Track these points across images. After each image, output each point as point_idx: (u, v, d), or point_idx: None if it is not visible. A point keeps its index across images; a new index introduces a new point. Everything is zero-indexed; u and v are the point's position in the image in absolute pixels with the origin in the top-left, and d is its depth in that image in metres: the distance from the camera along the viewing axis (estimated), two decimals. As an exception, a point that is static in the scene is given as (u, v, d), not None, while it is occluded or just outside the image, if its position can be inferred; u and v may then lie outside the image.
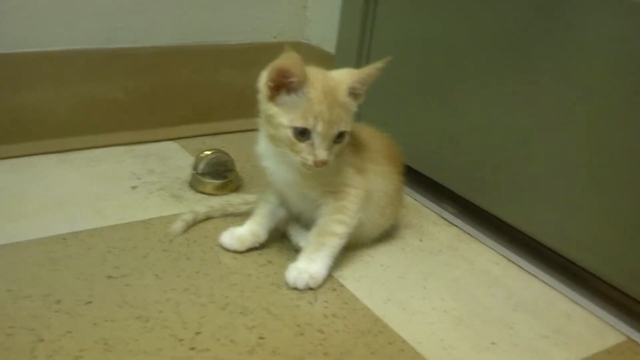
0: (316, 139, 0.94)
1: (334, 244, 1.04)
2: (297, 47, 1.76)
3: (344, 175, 1.05)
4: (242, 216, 1.20)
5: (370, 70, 0.99)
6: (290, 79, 0.94)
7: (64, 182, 1.30)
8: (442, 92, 1.32)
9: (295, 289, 1.02)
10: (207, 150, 1.34)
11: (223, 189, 1.31)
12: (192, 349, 0.87)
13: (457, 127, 1.29)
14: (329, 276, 1.05)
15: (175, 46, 1.57)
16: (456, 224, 1.28)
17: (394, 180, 1.14)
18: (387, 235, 1.19)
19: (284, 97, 0.96)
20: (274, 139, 0.99)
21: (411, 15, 1.39)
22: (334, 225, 1.04)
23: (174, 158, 1.47)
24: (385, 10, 1.45)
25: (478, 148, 1.25)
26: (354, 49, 1.54)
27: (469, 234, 1.25)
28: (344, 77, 0.99)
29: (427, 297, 1.04)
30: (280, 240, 1.15)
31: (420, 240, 1.21)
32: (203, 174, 1.32)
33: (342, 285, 1.04)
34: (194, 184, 1.32)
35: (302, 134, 0.94)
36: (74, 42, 1.44)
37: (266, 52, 1.71)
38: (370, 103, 1.52)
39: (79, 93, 1.47)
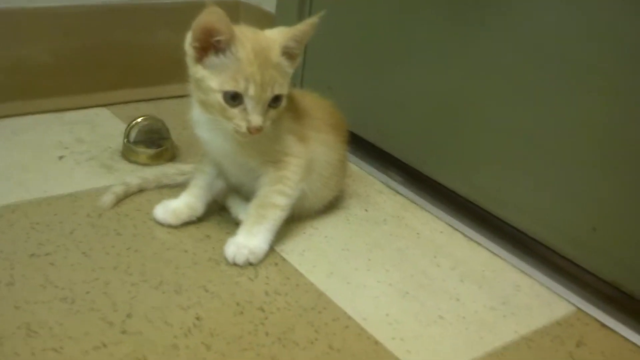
0: (249, 103, 0.88)
1: (275, 216, 0.99)
2: (235, 6, 1.68)
3: (284, 143, 0.99)
4: (177, 188, 1.13)
5: (303, 27, 0.92)
6: (216, 38, 0.87)
7: (-17, 152, 1.20)
8: (387, 55, 1.27)
9: (235, 264, 0.96)
10: (140, 117, 1.26)
11: (157, 159, 1.24)
12: (123, 332, 0.81)
13: (403, 92, 1.25)
14: (271, 250, 1.00)
15: (105, 5, 1.47)
16: (402, 192, 1.24)
17: (338, 149, 1.09)
18: (331, 205, 1.15)
19: (212, 59, 0.89)
20: (204, 105, 0.92)
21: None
22: (275, 196, 0.98)
23: (105, 125, 1.38)
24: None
25: (424, 114, 1.21)
26: (294, 8, 1.48)
27: (415, 203, 1.21)
28: (276, 35, 0.92)
29: (371, 269, 1.00)
30: (219, 213, 1.09)
31: (366, 210, 1.17)
32: (136, 143, 1.24)
33: (284, 260, 1.00)
34: (126, 154, 1.24)
35: (234, 98, 0.88)
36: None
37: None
38: (313, 66, 1.48)
39: (1, 57, 1.35)
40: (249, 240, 0.97)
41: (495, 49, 1.06)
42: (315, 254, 1.02)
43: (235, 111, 0.88)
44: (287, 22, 1.50)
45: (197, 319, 0.85)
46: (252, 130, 0.89)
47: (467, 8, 1.09)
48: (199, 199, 1.05)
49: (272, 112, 0.91)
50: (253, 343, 0.82)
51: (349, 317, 0.89)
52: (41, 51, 1.40)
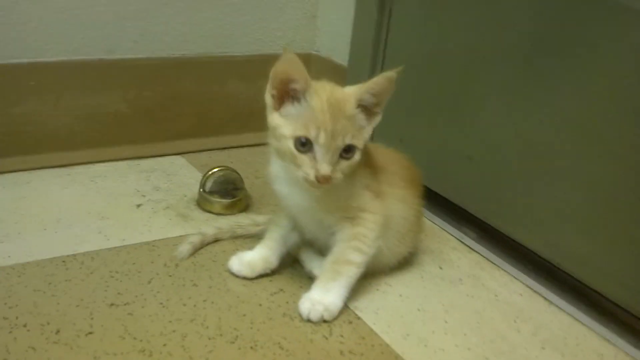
0: (318, 151, 0.88)
1: (351, 273, 0.98)
2: (307, 58, 1.70)
3: (361, 199, 0.98)
4: (251, 238, 1.14)
5: (380, 79, 0.91)
6: (292, 85, 0.89)
7: (64, 199, 1.24)
8: (459, 108, 1.26)
9: (309, 321, 0.95)
10: (215, 168, 1.28)
11: (232, 209, 1.25)
12: (200, 388, 0.80)
13: (475, 145, 1.23)
14: (344, 307, 0.99)
15: (179, 57, 1.51)
16: (477, 249, 1.21)
17: (413, 204, 1.08)
18: (405, 261, 1.13)
19: (288, 108, 0.91)
20: (278, 153, 0.93)
21: (427, 26, 1.33)
22: (351, 253, 0.98)
23: (180, 174, 1.40)
24: (400, 20, 1.40)
25: (496, 167, 1.19)
26: (367, 61, 1.48)
27: (491, 261, 1.18)
28: (353, 90, 0.93)
29: (449, 332, 0.97)
30: (293, 266, 1.09)
31: (440, 268, 1.15)
32: (211, 193, 1.26)
33: (358, 318, 0.98)
34: (202, 203, 1.26)
35: (304, 144, 0.88)
36: (73, 52, 1.38)
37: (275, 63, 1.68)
38: (385, 119, 1.48)
39: (79, 105, 1.41)
40: (323, 296, 0.96)
41: (570, 101, 1.03)
42: (390, 313, 1.00)
43: (305, 158, 0.88)
44: (359, 74, 1.53)
45: (274, 377, 0.84)
46: (320, 179, 0.88)
47: (540, 60, 1.08)
48: (273, 251, 1.05)
49: (344, 164, 0.90)
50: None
51: (427, 382, 0.86)
52: (117, 100, 1.45)
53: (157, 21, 1.45)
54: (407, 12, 1.37)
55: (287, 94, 0.90)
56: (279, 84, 0.90)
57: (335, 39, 1.64)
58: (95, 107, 1.42)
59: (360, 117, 0.92)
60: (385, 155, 1.07)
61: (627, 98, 0.96)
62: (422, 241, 1.21)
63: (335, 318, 0.97)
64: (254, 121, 1.60)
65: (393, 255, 1.07)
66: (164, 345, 0.87)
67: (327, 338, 0.93)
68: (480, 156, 1.22)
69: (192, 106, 1.54)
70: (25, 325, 0.87)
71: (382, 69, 1.46)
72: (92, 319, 0.90)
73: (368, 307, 1.01)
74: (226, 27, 1.56)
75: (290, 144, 0.89)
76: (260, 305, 0.98)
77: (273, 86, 0.91)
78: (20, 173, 1.32)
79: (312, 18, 1.70)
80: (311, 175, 0.88)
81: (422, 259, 1.17)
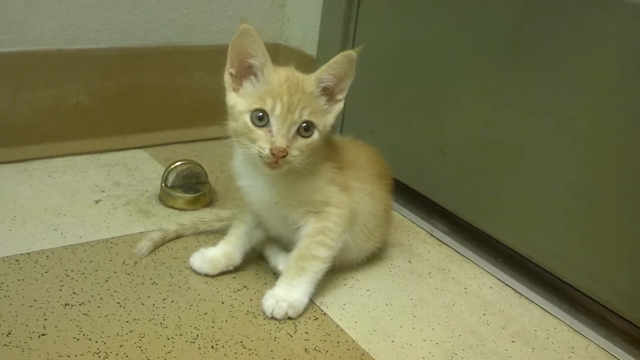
0: (274, 124, 0.85)
1: (316, 269, 0.94)
2: (275, 49, 1.66)
3: (326, 193, 0.95)
4: (215, 234, 1.11)
5: (338, 57, 0.89)
6: (250, 60, 0.88)
7: (20, 195, 1.19)
8: (430, 101, 1.24)
9: (273, 318, 0.92)
10: (178, 161, 1.24)
11: (195, 204, 1.21)
12: (156, 391, 0.77)
13: (447, 138, 1.21)
14: (310, 303, 0.96)
15: (143, 47, 1.46)
16: (447, 242, 1.19)
17: (382, 199, 1.05)
18: (373, 256, 1.10)
19: (246, 87, 0.90)
20: (236, 133, 0.90)
21: (397, 17, 1.30)
22: (316, 247, 0.94)
23: (142, 168, 1.36)
24: (369, 11, 1.37)
25: (469, 161, 1.17)
26: (336, 52, 1.43)
27: (461, 254, 1.16)
28: (314, 73, 0.91)
29: (417, 327, 0.95)
30: (257, 262, 1.06)
31: (409, 262, 1.12)
32: (173, 187, 1.21)
33: (324, 314, 0.95)
34: (164, 198, 1.22)
35: (260, 118, 0.86)
36: (32, 42, 1.32)
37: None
38: (355, 111, 1.45)
39: (38, 97, 1.35)
40: (288, 293, 0.93)
41: (548, 97, 1.02)
42: (357, 308, 0.97)
43: (260, 133, 0.86)
44: (327, 65, 1.50)
45: (235, 378, 0.80)
46: (276, 153, 0.84)
47: (514, 52, 1.06)
48: (237, 248, 1.01)
49: (301, 142, 0.88)
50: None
51: (395, 380, 0.83)
52: (78, 92, 1.39)
53: (119, 9, 1.40)
54: (376, 2, 1.34)
55: (246, 72, 0.89)
56: (237, 58, 0.89)
57: (304, 29, 1.60)
58: (55, 100, 1.37)
59: (322, 100, 0.90)
60: (353, 149, 1.05)
61: (604, 90, 0.95)
62: (391, 235, 1.18)
63: (301, 315, 0.93)
64: (220, 113, 1.55)
65: (361, 250, 1.04)
66: (121, 346, 0.83)
67: (291, 335, 0.89)
68: (452, 149, 1.19)
69: (155, 98, 1.50)
70: (-28, 328, 0.83)
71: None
72: (45, 319, 0.86)
73: (334, 303, 0.98)
74: (191, 16, 1.51)
75: (246, 119, 0.87)
76: (222, 303, 0.95)
77: (231, 63, 0.90)
78: (-27, 168, 1.26)
79: (280, 7, 1.66)
80: (266, 149, 0.85)
81: (391, 252, 1.14)
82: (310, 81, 0.89)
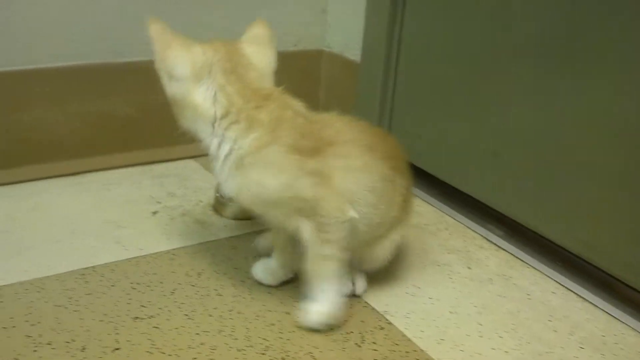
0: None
1: (331, 269, 0.90)
2: (318, 55, 1.66)
3: (301, 193, 0.86)
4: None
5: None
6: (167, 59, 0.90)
7: (76, 208, 1.21)
8: (482, 102, 1.22)
9: (317, 330, 0.92)
10: (230, 171, 1.25)
11: (248, 213, 1.22)
12: (233, 404, 0.78)
13: (500, 140, 1.19)
14: (374, 312, 0.96)
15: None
16: (504, 247, 1.18)
17: (378, 169, 0.92)
18: (430, 262, 1.10)
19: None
20: (189, 122, 0.93)
21: (446, 16, 1.28)
22: (321, 249, 0.88)
23: (194, 178, 1.37)
24: (415, 12, 1.35)
25: (523, 163, 1.15)
26: (381, 57, 1.44)
27: (520, 259, 1.15)
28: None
29: (484, 335, 0.94)
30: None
31: (469, 268, 1.11)
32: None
33: (389, 323, 0.95)
34: (218, 208, 1.23)
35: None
36: (80, 57, 1.34)
37: (286, 61, 1.64)
38: (402, 116, 1.45)
39: (88, 111, 1.37)
40: (319, 305, 0.92)
41: (603, 97, 1.00)
42: (421, 316, 0.97)
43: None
44: (372, 70, 1.49)
45: (309, 389, 0.81)
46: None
47: (566, 53, 1.04)
48: (290, 256, 1.01)
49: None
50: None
51: (467, 389, 0.83)
52: (127, 105, 1.41)
53: (167, 22, 1.41)
54: (422, 3, 1.33)
55: None
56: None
57: (347, 34, 1.60)
58: (105, 112, 1.39)
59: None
60: (337, 125, 0.92)
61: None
62: (446, 240, 1.18)
63: (341, 318, 0.93)
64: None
65: (382, 226, 0.95)
66: (194, 358, 0.84)
67: (359, 346, 0.90)
68: (506, 152, 1.18)
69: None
70: (49, 343, 0.84)
71: (398, 65, 1.42)
72: (117, 333, 0.87)
73: (398, 312, 0.98)
74: (236, 25, 1.52)
75: (188, 87, 0.90)
76: (287, 313, 0.95)
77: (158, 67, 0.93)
78: (30, 183, 1.28)
79: (321, 13, 1.66)
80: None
81: (449, 258, 1.14)
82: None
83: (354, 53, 1.57)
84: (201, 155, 1.45)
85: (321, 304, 0.92)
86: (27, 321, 0.88)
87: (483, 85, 1.21)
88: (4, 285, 0.96)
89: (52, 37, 1.30)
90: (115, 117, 1.40)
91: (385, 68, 1.44)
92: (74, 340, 0.85)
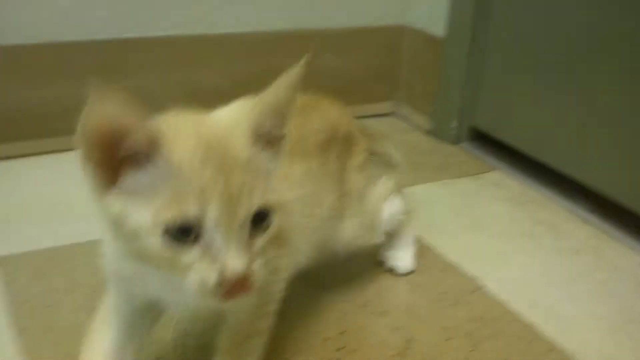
0: (215, 234, 0.52)
1: (261, 342, 0.73)
2: (398, 32, 1.67)
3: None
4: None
5: (283, 89, 0.58)
6: (126, 144, 0.52)
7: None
8: (573, 80, 1.23)
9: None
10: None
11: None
12: (338, 349, 0.83)
13: (586, 116, 1.20)
14: (469, 279, 0.99)
15: (277, 31, 1.52)
16: (591, 221, 1.19)
17: (325, 172, 0.80)
18: (519, 232, 1.12)
19: (131, 178, 0.53)
20: (140, 257, 0.55)
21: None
22: (254, 323, 0.72)
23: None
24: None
25: (610, 137, 1.16)
26: (467, 33, 1.45)
27: (606, 232, 1.16)
28: (236, 114, 0.59)
29: (575, 302, 0.96)
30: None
31: (557, 239, 1.13)
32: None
33: (482, 287, 0.98)
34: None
35: (185, 232, 0.51)
36: (176, 27, 1.41)
37: (367, 36, 1.66)
38: (491, 92, 1.45)
39: (181, 81, 1.43)
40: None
41: None
42: (513, 283, 1.00)
43: (193, 254, 0.52)
44: (457, 48, 1.50)
45: (408, 341, 0.85)
46: (233, 283, 0.52)
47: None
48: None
49: (260, 240, 0.55)
50: (467, 371, 0.81)
51: (561, 351, 0.85)
52: (220, 76, 1.47)
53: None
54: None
55: (121, 158, 0.52)
56: (102, 147, 0.51)
57: (431, 8, 1.58)
58: (198, 83, 1.45)
59: (263, 157, 0.57)
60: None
61: None
62: (535, 212, 1.20)
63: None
64: (349, 94, 1.61)
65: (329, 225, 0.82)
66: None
67: (454, 306, 0.93)
68: (593, 128, 1.19)
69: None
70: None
71: (486, 41, 1.42)
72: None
73: (490, 276, 1.00)
74: (319, 1, 1.56)
75: (156, 241, 0.51)
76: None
77: (90, 157, 0.52)
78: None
79: (403, -13, 1.67)
80: (212, 278, 0.52)
81: (537, 230, 1.16)
82: (242, 138, 0.56)
83: (438, 29, 1.56)
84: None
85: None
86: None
87: (575, 63, 1.22)
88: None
89: (154, 8, 1.37)
90: (207, 87, 1.46)
91: (471, 45, 1.45)
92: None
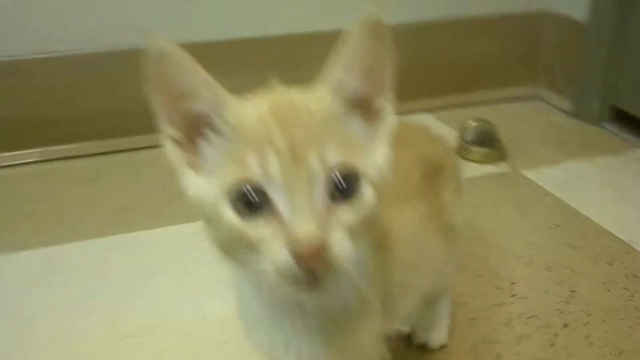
0: (279, 197, 0.46)
1: None
2: (539, 18, 1.74)
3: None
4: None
5: (356, 33, 0.49)
6: (188, 103, 0.49)
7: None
8: None
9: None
10: (470, 119, 1.43)
11: (492, 158, 1.39)
12: (512, 295, 0.97)
13: None
14: (620, 240, 1.11)
15: (426, 21, 1.65)
16: None
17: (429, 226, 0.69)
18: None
19: (205, 154, 0.50)
20: (225, 250, 0.49)
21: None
22: None
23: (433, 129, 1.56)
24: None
25: None
26: (609, 15, 1.50)
27: None
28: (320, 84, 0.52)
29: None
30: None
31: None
32: (472, 143, 1.40)
33: (635, 249, 1.09)
34: (462, 152, 1.41)
35: (249, 203, 0.46)
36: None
37: (510, 22, 1.75)
38: (632, 71, 1.48)
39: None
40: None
41: None
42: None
43: (262, 230, 0.46)
44: (601, 33, 1.56)
45: (572, 291, 0.99)
46: (306, 250, 0.43)
47: None
48: None
49: (345, 214, 0.47)
50: (627, 315, 0.94)
51: None
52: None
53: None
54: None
55: (192, 128, 0.50)
56: (168, 107, 0.49)
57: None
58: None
59: (355, 123, 0.52)
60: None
61: None
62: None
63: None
64: (491, 78, 1.73)
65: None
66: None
67: (610, 265, 1.05)
68: None
69: (437, 66, 1.69)
70: None
71: (629, 25, 1.47)
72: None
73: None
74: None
75: (226, 213, 0.46)
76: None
77: (165, 116, 0.49)
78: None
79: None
80: (283, 255, 0.44)
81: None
82: (322, 96, 0.50)
83: (579, 13, 1.61)
84: (434, 108, 1.66)
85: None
86: None
87: None
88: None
89: (222, 13, 1.50)
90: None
91: (613, 27, 1.51)
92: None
